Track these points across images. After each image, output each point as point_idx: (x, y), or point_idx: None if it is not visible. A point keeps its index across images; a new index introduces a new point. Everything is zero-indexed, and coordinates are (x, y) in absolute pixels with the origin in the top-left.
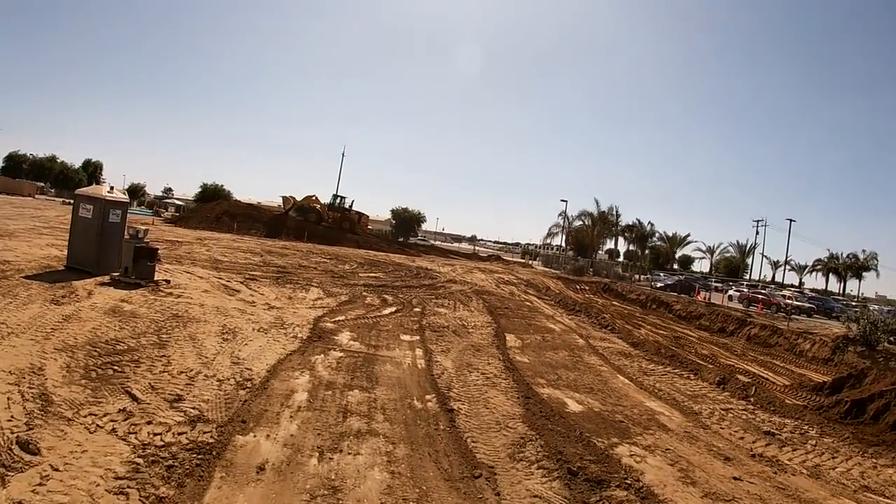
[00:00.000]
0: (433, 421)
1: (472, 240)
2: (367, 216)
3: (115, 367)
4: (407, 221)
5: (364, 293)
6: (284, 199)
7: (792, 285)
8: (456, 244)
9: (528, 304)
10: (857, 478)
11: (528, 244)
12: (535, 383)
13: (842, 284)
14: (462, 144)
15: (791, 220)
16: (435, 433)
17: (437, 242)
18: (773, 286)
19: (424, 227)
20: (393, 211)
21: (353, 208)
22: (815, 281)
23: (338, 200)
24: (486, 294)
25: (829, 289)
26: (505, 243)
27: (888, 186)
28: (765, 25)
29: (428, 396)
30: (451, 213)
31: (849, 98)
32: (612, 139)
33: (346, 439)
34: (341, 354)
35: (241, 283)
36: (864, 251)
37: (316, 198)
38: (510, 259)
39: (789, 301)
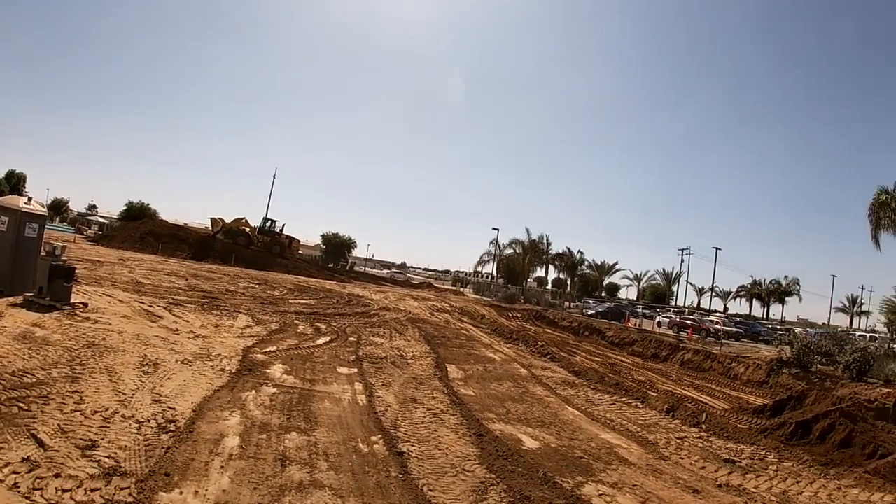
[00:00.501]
0: (383, 467)
1: (403, 267)
2: (298, 241)
3: (21, 405)
4: (337, 247)
5: (296, 321)
6: (213, 220)
7: (716, 311)
8: (386, 271)
9: (464, 332)
10: (825, 501)
11: (459, 272)
12: (485, 418)
13: (765, 309)
14: (394, 171)
15: (717, 248)
16: (387, 482)
17: (368, 269)
18: (699, 312)
19: (355, 252)
20: (323, 236)
21: (284, 232)
22: (739, 306)
23: (268, 224)
24: (422, 322)
25: (752, 313)
26: (435, 271)
27: (809, 215)
28: (693, 58)
29: (374, 438)
30: (382, 240)
31: (772, 128)
32: (544, 169)
33: (287, 494)
34: (275, 390)
35: (165, 308)
36: (786, 277)
37: (245, 220)
38: (442, 286)
39: (718, 326)
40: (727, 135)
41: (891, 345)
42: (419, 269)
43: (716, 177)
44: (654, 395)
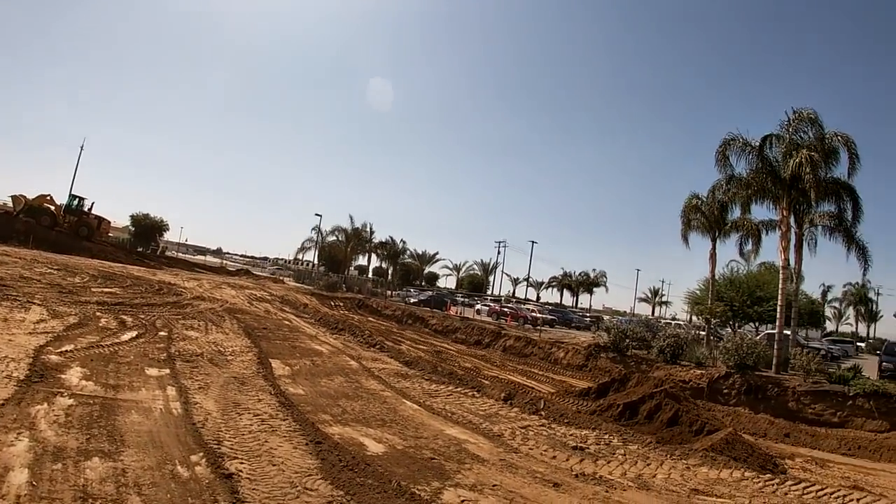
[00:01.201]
0: (209, 496)
1: (219, 252)
2: (109, 222)
3: None
4: (148, 230)
5: (98, 313)
6: (14, 198)
7: (530, 300)
8: (200, 256)
9: (287, 323)
10: (680, 482)
11: (278, 259)
12: (320, 421)
13: (575, 298)
14: (211, 153)
15: (533, 242)
16: None
17: (181, 255)
18: (515, 300)
19: (167, 236)
20: (133, 217)
21: (94, 212)
22: (551, 295)
23: (76, 202)
24: (240, 313)
25: (563, 302)
26: (252, 257)
27: (614, 216)
28: (521, 73)
29: (195, 457)
30: (197, 224)
31: (586, 138)
32: (370, 159)
33: None
34: (72, 402)
35: None
36: (594, 270)
37: (51, 198)
38: (260, 274)
39: (535, 314)
40: (547, 143)
41: (697, 331)
42: (235, 255)
43: (536, 178)
44: (488, 383)
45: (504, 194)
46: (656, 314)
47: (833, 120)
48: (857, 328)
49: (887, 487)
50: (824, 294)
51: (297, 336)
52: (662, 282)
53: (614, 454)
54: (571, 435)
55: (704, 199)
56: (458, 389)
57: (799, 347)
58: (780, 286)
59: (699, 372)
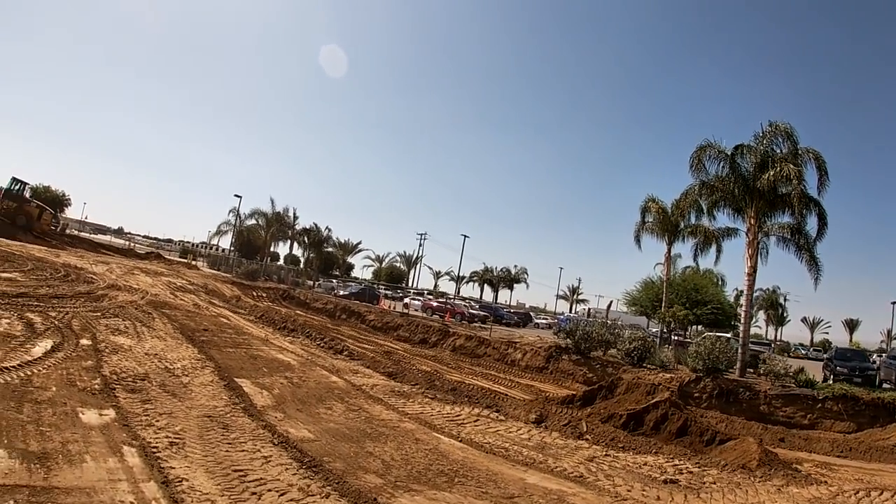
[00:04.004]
0: None
1: (120, 233)
2: (51, 212)
3: None
4: (48, 203)
5: None
6: None
7: (447, 293)
8: (101, 236)
9: (225, 321)
10: None
11: (184, 241)
12: (376, 490)
13: (495, 294)
14: (110, 120)
15: (465, 236)
16: None
17: (82, 234)
18: (448, 296)
19: (68, 212)
20: (33, 189)
21: (35, 200)
22: (471, 290)
23: (17, 187)
24: (167, 307)
25: (483, 297)
26: (157, 239)
27: (534, 214)
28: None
29: None
30: (94, 200)
31: (519, 135)
32: (293, 142)
33: None
34: None
35: None
36: (515, 266)
37: None
38: (172, 258)
39: (473, 310)
40: (483, 142)
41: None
42: (138, 236)
43: (459, 172)
44: (505, 403)
45: (425, 186)
46: (574, 310)
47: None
48: (766, 331)
49: None
50: (737, 297)
51: (247, 340)
52: (579, 280)
53: (703, 483)
54: (645, 464)
55: (661, 203)
56: (476, 411)
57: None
58: (745, 291)
59: (668, 376)
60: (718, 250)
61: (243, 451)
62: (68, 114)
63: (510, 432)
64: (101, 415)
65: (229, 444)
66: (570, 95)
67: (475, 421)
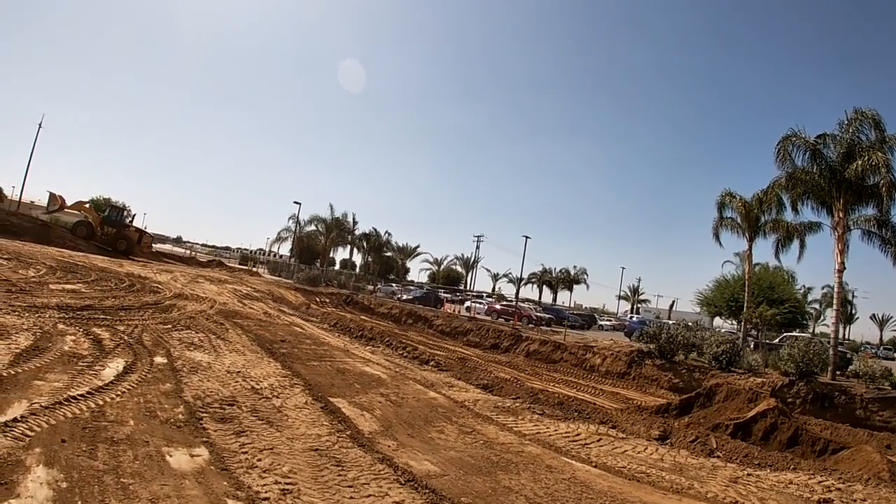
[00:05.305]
0: None
1: (179, 242)
2: (151, 236)
3: None
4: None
5: (61, 324)
6: (51, 196)
7: (503, 295)
8: (161, 245)
9: (299, 330)
10: None
11: (243, 249)
12: None
13: (554, 295)
14: (167, 138)
15: (527, 237)
16: None
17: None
18: (509, 298)
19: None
20: (93, 201)
21: (134, 224)
22: (529, 292)
23: (115, 213)
24: (238, 316)
25: (542, 299)
26: (214, 247)
27: (593, 214)
28: (490, 68)
29: None
30: (154, 211)
31: (560, 139)
32: (336, 148)
33: None
34: None
35: None
36: (575, 267)
37: (89, 206)
38: (233, 266)
39: (540, 313)
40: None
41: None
42: (196, 244)
43: (517, 176)
44: (620, 416)
45: (480, 188)
46: (637, 312)
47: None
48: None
49: None
50: (804, 295)
51: (328, 352)
52: (639, 279)
53: (854, 500)
54: (791, 483)
55: (741, 198)
56: (593, 428)
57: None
58: (835, 290)
59: (759, 380)
60: (801, 246)
61: (369, 495)
62: (127, 130)
63: (638, 452)
64: (192, 456)
65: (350, 486)
66: (622, 99)
67: (598, 441)
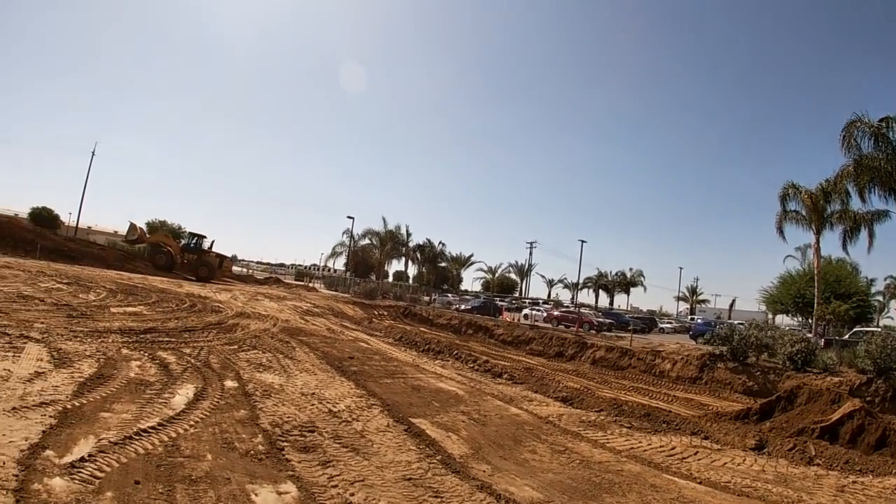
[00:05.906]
0: None
1: (234, 259)
2: (231, 260)
3: None
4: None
5: (125, 349)
6: (131, 226)
7: (560, 301)
8: None
9: (365, 345)
10: None
11: (295, 265)
12: None
13: (610, 299)
14: (213, 159)
15: (583, 241)
16: None
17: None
18: (567, 304)
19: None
20: (149, 224)
21: (214, 250)
22: (585, 296)
23: (194, 241)
24: (302, 333)
25: (598, 303)
26: (269, 264)
27: (649, 216)
28: (528, 67)
29: None
30: (205, 231)
31: (613, 141)
32: (393, 162)
33: None
34: None
35: None
36: (631, 269)
37: (169, 234)
38: (289, 282)
39: (600, 319)
40: (583, 146)
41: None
42: (251, 262)
43: (572, 185)
44: (717, 426)
45: (527, 193)
46: (695, 312)
47: None
48: None
49: None
50: (867, 287)
51: (398, 368)
52: (697, 279)
53: None
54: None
55: (807, 189)
56: (686, 440)
57: None
58: None
59: (836, 380)
60: (871, 236)
61: None
62: (171, 149)
63: (738, 464)
64: (279, 493)
65: None
66: (672, 96)
67: (695, 454)
